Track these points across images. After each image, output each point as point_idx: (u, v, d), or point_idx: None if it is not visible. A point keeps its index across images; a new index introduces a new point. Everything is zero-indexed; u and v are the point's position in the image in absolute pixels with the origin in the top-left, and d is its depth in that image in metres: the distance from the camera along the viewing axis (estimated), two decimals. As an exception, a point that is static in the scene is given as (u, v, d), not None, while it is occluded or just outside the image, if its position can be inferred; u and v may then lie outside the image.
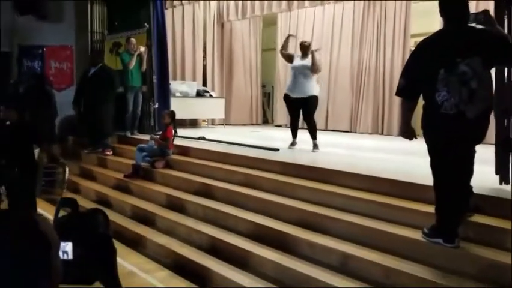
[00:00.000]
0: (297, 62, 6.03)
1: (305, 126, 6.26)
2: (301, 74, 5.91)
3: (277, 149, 5.69)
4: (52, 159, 3.04)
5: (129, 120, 7.50)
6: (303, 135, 6.13)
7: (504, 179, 3.56)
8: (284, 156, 5.26)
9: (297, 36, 8.08)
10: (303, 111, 6.00)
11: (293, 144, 6.08)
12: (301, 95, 5.90)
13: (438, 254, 3.03)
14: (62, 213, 1.91)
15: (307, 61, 5.93)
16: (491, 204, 3.29)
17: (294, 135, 6.14)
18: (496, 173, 3.62)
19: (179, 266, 3.90)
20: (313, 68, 5.88)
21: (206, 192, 4.95)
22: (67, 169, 3.02)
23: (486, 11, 2.99)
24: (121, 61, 7.51)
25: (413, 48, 8.24)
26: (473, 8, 7.03)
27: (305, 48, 6.01)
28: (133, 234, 4.59)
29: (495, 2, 3.54)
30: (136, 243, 4.42)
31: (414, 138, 3.18)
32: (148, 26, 7.63)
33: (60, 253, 1.28)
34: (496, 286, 2.71)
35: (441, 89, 2.82)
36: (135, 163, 6.05)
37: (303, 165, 4.64)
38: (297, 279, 3.29)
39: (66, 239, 1.57)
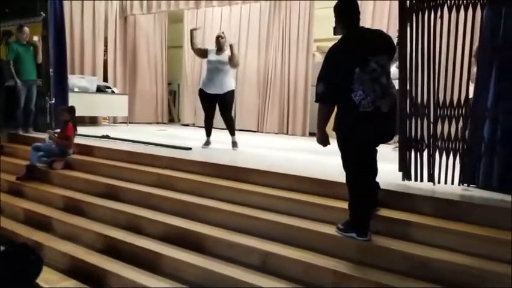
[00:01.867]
0: (213, 56, 5.88)
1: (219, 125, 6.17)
2: (217, 69, 5.80)
3: (190, 148, 5.57)
4: None
5: (21, 116, 6.83)
6: (215, 134, 6.08)
7: (406, 176, 3.83)
8: (198, 155, 5.16)
9: (202, 28, 7.81)
10: (220, 108, 5.89)
11: (207, 143, 5.96)
12: (218, 91, 5.78)
13: (353, 247, 3.15)
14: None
15: (224, 56, 5.82)
16: (396, 199, 3.50)
17: (208, 133, 6.01)
18: (399, 170, 3.88)
19: (86, 275, 3.61)
20: (232, 63, 5.78)
21: (114, 194, 4.66)
22: None
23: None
24: (10, 52, 6.81)
25: (316, 53, 8.64)
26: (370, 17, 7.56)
27: (221, 43, 5.88)
28: (30, 242, 4.15)
29: (399, 11, 3.80)
30: (35, 252, 4.01)
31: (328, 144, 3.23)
32: (44, 15, 7.00)
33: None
34: (406, 276, 2.87)
35: (357, 88, 2.94)
36: (29, 164, 5.54)
37: (219, 164, 4.56)
38: (217, 281, 3.21)
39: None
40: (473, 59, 3.60)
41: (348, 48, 3.07)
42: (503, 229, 2.95)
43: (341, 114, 3.11)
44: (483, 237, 2.93)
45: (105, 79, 9.66)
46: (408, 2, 3.70)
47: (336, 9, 3.16)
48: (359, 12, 3.14)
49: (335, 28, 3.24)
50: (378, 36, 3.18)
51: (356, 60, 2.98)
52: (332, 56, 3.08)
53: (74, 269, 3.72)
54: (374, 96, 2.94)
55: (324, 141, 3.20)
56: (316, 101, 3.11)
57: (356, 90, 2.96)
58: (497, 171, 3.48)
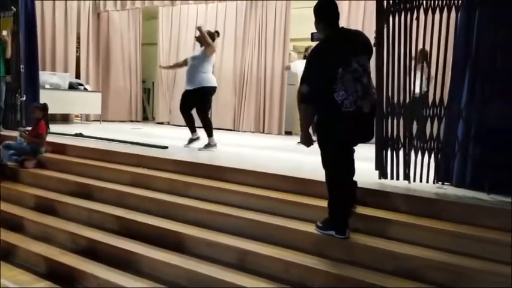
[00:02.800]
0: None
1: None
2: (189, 65, 5.74)
3: (166, 147, 5.51)
4: None
5: (-10, 113, 6.64)
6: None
7: (383, 174, 3.90)
8: (175, 154, 5.11)
9: (176, 28, 7.65)
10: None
11: (191, 141, 5.84)
12: (187, 87, 5.70)
13: (332, 245, 3.18)
14: None
15: (195, 52, 5.78)
16: (373, 197, 3.54)
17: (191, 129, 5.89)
18: (376, 169, 3.95)
19: (61, 276, 3.53)
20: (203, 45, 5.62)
21: (89, 193, 4.56)
22: None
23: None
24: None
25: (292, 52, 8.71)
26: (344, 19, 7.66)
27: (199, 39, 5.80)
28: (2, 244, 4.04)
29: (376, 13, 3.85)
30: (6, 254, 3.90)
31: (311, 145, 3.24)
32: (15, 9, 6.80)
33: None
34: (385, 273, 2.91)
35: (339, 88, 2.96)
36: None
37: (197, 163, 4.54)
38: (196, 280, 3.19)
39: None
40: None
41: (330, 49, 3.08)
42: (477, 226, 3.04)
43: (324, 114, 3.12)
44: (457, 234, 3.00)
45: (77, 76, 9.48)
46: (385, 3, 3.75)
47: (316, 10, 3.18)
48: (338, 13, 3.17)
49: (312, 34, 3.26)
50: (358, 36, 3.21)
51: (339, 60, 3.00)
52: (315, 56, 3.09)
53: (48, 270, 3.63)
54: (355, 97, 2.97)
55: (308, 142, 3.21)
56: (301, 103, 3.11)
57: (338, 90, 2.97)
58: (470, 170, 3.58)
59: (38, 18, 7.79)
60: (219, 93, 9.18)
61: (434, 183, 3.72)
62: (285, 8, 8.67)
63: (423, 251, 2.97)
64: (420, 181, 3.74)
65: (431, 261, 2.86)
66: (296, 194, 3.77)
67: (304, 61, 6.12)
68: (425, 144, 3.70)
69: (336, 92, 2.96)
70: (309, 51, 6.64)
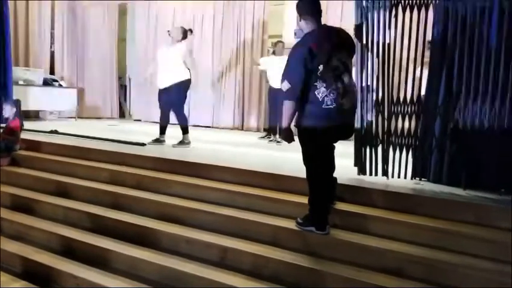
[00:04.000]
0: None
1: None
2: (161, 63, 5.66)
3: (144, 144, 5.45)
4: None
5: (-40, 110, 6.42)
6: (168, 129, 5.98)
7: (362, 170, 3.95)
8: (152, 151, 5.05)
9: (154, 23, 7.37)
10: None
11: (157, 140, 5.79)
12: (162, 85, 5.64)
13: (312, 241, 3.21)
14: None
15: (172, 49, 5.66)
16: (351, 193, 3.59)
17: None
18: (355, 165, 3.99)
19: (39, 275, 3.45)
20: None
21: (65, 191, 4.48)
22: None
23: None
24: None
25: (270, 49, 8.69)
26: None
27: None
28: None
29: (355, 11, 3.88)
30: (-21, 253, 3.80)
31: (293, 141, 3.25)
32: (-14, 2, 6.63)
33: None
34: (363, 267, 2.95)
35: (320, 85, 2.98)
36: (-28, 160, 5.23)
37: (175, 160, 4.49)
38: (175, 278, 3.17)
39: None
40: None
41: (312, 46, 3.08)
42: (453, 221, 3.11)
43: (305, 111, 3.12)
44: (434, 229, 3.07)
45: (52, 72, 9.27)
46: (364, 1, 3.78)
47: (299, 7, 3.18)
48: (321, 10, 3.18)
49: (295, 31, 3.26)
50: (340, 34, 3.21)
51: (320, 57, 3.00)
52: (297, 53, 3.08)
53: (25, 269, 3.54)
54: (336, 94, 2.99)
55: (289, 137, 3.22)
56: (284, 99, 3.11)
57: (319, 87, 2.99)
58: (447, 166, 3.65)
59: (11, 12, 7.58)
60: (197, 89, 9.13)
61: (411, 179, 3.78)
62: (263, 4, 8.66)
63: (401, 245, 3.03)
64: (398, 177, 3.80)
65: (408, 255, 2.92)
66: (275, 191, 3.78)
67: (273, 56, 6.23)
68: (403, 141, 3.76)
69: (317, 89, 2.98)
70: (279, 46, 6.73)
